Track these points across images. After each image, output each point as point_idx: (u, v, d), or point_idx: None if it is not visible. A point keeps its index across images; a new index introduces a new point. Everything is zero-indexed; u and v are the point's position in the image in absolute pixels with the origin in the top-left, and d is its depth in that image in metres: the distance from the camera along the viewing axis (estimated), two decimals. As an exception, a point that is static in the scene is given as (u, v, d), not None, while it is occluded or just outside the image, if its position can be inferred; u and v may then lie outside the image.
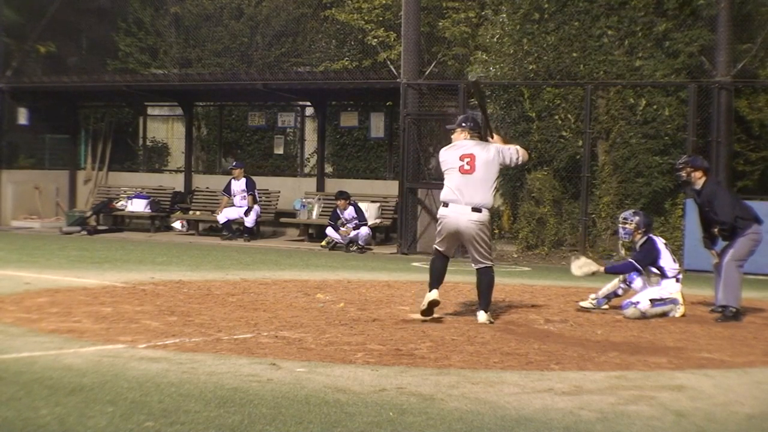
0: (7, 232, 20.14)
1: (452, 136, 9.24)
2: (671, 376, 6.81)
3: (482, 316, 8.91)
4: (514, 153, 9.03)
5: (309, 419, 5.25)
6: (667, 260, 10.02)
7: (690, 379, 6.71)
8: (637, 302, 9.75)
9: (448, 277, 12.22)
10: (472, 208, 8.79)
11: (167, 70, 24.07)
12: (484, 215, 8.85)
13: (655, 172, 16.70)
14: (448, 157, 9.02)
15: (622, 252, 10.39)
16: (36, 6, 22.93)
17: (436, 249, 9.21)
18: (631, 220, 10.16)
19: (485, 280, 9.02)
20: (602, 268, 10.19)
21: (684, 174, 9.94)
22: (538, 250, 16.98)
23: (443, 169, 9.07)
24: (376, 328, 8.47)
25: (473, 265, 9.09)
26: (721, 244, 9.97)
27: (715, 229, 9.83)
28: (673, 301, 9.87)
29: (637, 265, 9.99)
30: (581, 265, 10.21)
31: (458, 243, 9.21)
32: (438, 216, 9.13)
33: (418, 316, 9.18)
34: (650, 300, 9.77)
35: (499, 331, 8.53)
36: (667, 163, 16.51)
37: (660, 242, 10.18)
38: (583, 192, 16.55)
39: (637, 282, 10.05)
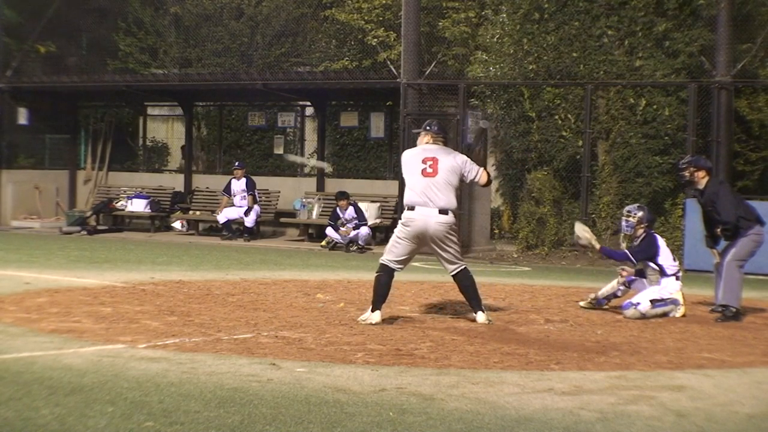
0: (7, 232, 20.14)
1: (417, 141, 9.17)
2: (671, 376, 6.81)
3: (481, 316, 8.90)
4: (475, 171, 8.92)
5: (309, 419, 5.25)
6: (666, 258, 10.00)
7: (690, 379, 6.71)
8: (638, 303, 9.74)
9: (448, 278, 12.21)
10: (439, 211, 8.71)
11: (167, 70, 24.07)
12: (451, 217, 8.79)
13: (655, 172, 16.70)
14: (410, 159, 8.92)
15: (623, 246, 10.39)
16: (36, 6, 22.93)
17: (385, 264, 8.86)
18: (635, 214, 10.15)
19: (466, 282, 8.95)
20: (598, 246, 10.19)
21: (687, 174, 9.94)
22: (538, 250, 16.98)
23: (404, 172, 8.95)
24: (376, 328, 8.47)
25: (448, 271, 8.98)
26: (723, 243, 9.97)
27: (718, 230, 9.82)
28: (674, 302, 9.86)
29: (631, 256, 9.97)
30: (585, 229, 10.30)
31: (418, 250, 8.99)
32: (403, 219, 8.88)
33: (417, 315, 9.19)
34: (651, 301, 9.76)
35: (499, 331, 8.53)
36: (667, 163, 16.53)
37: (660, 240, 10.18)
38: (583, 192, 16.55)
39: (638, 284, 10.04)
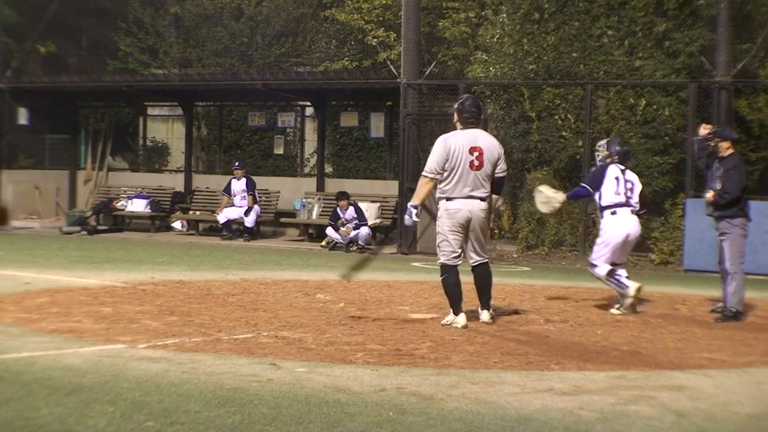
0: (7, 232, 20.13)
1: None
2: (671, 376, 6.81)
3: (485, 315, 8.82)
4: (503, 170, 8.79)
5: (309, 419, 5.26)
6: (607, 190, 9.82)
7: (690, 379, 6.71)
8: (595, 265, 9.78)
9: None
10: (480, 198, 8.68)
11: (167, 70, 24.10)
12: (487, 204, 8.76)
13: (655, 172, 16.69)
14: (456, 149, 8.59)
15: None
16: (36, 6, 22.94)
17: (445, 264, 8.69)
18: (603, 147, 10.20)
19: (486, 276, 8.85)
20: (565, 197, 10.10)
21: (712, 144, 9.95)
22: (538, 250, 16.97)
23: (448, 159, 8.55)
24: (376, 328, 8.47)
25: (471, 260, 8.84)
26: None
27: (709, 194, 9.76)
28: (624, 287, 9.65)
29: (586, 186, 9.96)
30: (545, 201, 10.13)
31: (465, 237, 8.73)
32: (446, 212, 8.64)
33: (419, 315, 9.19)
34: (607, 271, 9.68)
35: (499, 331, 8.53)
36: (667, 163, 16.51)
37: (612, 171, 9.93)
38: (584, 192, 16.53)
39: None
